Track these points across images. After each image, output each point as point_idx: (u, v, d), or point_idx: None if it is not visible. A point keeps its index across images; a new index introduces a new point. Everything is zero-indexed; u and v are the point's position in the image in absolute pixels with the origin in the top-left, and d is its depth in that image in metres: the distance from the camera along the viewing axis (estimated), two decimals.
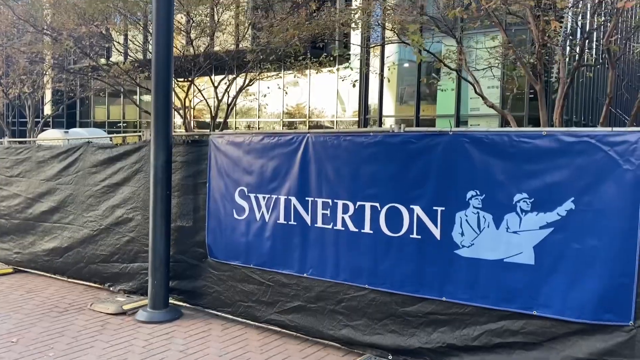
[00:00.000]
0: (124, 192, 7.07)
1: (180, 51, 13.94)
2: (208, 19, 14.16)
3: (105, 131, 30.36)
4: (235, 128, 29.28)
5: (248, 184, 5.90)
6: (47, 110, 30.28)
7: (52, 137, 16.31)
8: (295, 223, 5.51)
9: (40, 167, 8.13)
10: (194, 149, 6.48)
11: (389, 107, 24.34)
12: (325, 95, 26.65)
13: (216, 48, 15.90)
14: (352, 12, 11.43)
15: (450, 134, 4.68)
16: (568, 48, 10.11)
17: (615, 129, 4.08)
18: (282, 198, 5.60)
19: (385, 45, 17.07)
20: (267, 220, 5.72)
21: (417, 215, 4.75)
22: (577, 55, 8.27)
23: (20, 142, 9.10)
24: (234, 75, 15.77)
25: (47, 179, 7.99)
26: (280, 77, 21.63)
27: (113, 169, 7.23)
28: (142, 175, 6.87)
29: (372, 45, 14.93)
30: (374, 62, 21.21)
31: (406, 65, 23.34)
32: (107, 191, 7.27)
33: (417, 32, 8.37)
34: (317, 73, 17.29)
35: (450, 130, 4.71)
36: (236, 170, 6.01)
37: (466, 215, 4.52)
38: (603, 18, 9.58)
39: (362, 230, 5.07)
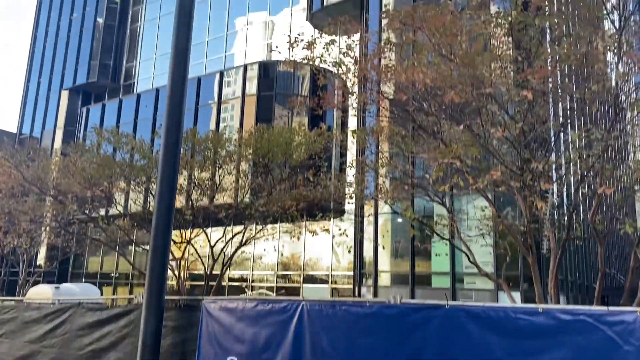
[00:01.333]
0: (110, 359, 6.77)
1: (181, 212, 14.30)
2: (208, 182, 14.77)
3: (97, 283, 29.88)
4: (229, 280, 28.90)
5: (239, 353, 5.69)
6: (40, 259, 30.13)
7: (42, 294, 15.99)
8: None
9: (26, 328, 7.87)
10: (185, 314, 6.36)
11: (384, 262, 24.29)
12: (320, 247, 26.72)
13: (215, 204, 16.36)
14: (347, 185, 12.05)
15: (446, 307, 4.66)
16: (556, 222, 10.43)
17: (611, 308, 4.08)
18: None
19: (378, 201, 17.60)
20: None
21: None
22: (565, 227, 8.56)
23: (7, 301, 8.93)
24: (231, 236, 16.00)
25: (31, 340, 7.69)
26: (276, 238, 21.88)
27: (101, 332, 7.01)
28: (130, 340, 6.64)
29: (367, 215, 15.44)
30: (368, 228, 21.67)
31: (400, 220, 23.83)
32: (93, 356, 6.96)
33: (410, 209, 8.77)
34: (313, 236, 17.48)
35: (446, 303, 4.70)
36: (227, 338, 5.83)
37: None
38: (588, 193, 10.04)
39: None
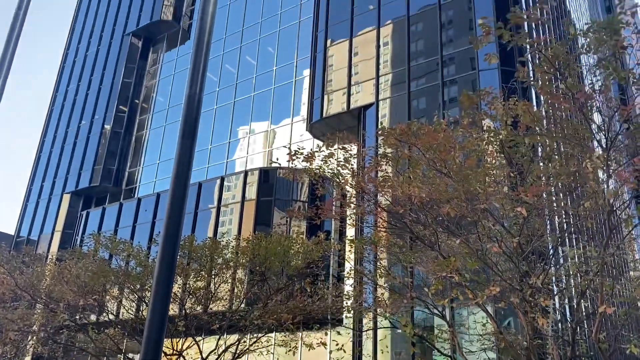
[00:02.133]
0: None
1: (173, 321, 13.85)
2: (203, 290, 14.50)
3: None
4: None
5: None
6: None
7: None
8: None
9: None
10: None
11: None
12: (317, 359, 25.57)
13: (209, 312, 15.89)
14: (345, 297, 11.94)
15: None
16: (560, 337, 10.11)
17: None
18: None
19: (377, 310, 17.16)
20: None
21: None
22: (569, 344, 8.27)
23: None
24: (224, 348, 15.42)
25: None
26: (271, 352, 21.09)
27: None
28: None
29: (366, 329, 15.14)
30: (367, 342, 21.10)
31: (399, 331, 23.08)
32: None
33: (409, 324, 8.60)
34: (309, 350, 16.87)
35: None
36: None
37: None
38: (590, 309, 9.85)
39: None
